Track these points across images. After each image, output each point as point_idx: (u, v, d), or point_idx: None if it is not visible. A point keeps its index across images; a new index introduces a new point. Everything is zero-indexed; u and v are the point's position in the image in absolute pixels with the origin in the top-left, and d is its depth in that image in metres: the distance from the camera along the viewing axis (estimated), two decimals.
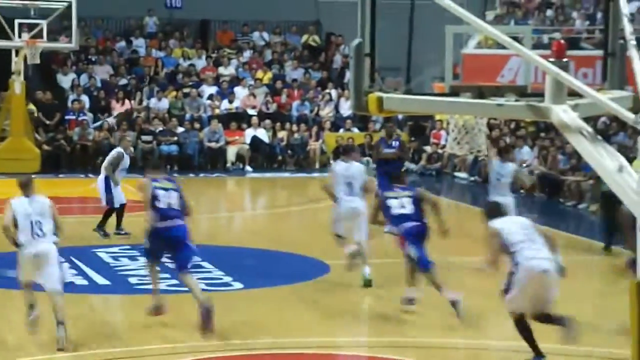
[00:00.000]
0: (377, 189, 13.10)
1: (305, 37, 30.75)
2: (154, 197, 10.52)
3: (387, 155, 18.09)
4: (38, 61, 23.06)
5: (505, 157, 14.46)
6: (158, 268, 10.74)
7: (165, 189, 10.70)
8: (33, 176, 11.15)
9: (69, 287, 11.90)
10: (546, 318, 8.93)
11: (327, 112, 27.48)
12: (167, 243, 10.49)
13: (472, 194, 22.50)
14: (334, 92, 27.99)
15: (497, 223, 9.13)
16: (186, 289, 11.81)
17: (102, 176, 15.49)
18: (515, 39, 6.30)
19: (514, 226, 9.10)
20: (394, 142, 18.56)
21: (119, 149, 15.71)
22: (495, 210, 9.50)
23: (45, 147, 24.18)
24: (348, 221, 12.55)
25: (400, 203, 11.34)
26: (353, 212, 12.44)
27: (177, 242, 10.39)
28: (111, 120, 25.24)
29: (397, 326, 10.74)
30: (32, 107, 24.91)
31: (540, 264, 8.77)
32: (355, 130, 26.73)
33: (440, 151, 25.50)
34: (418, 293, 11.24)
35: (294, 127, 26.44)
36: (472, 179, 23.94)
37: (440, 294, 10.82)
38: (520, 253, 8.81)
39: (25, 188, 10.02)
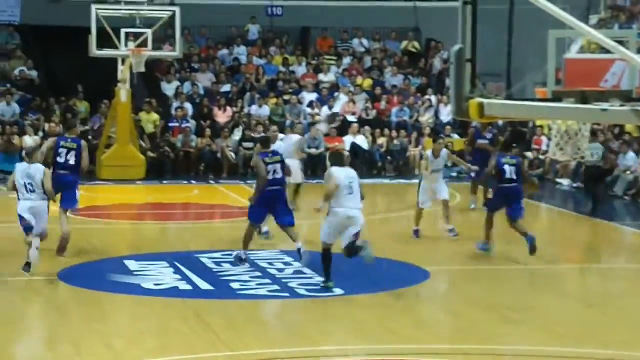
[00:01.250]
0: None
1: (404, 44, 30.71)
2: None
3: (480, 145, 18.97)
4: (144, 70, 23.52)
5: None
6: None
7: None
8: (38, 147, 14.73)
9: (173, 291, 12.16)
10: (349, 251, 11.93)
11: (426, 118, 27.39)
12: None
13: (575, 201, 22.16)
14: (433, 98, 27.88)
15: (334, 170, 11.90)
16: (286, 294, 11.95)
17: None
18: (620, 43, 6.21)
19: (342, 176, 11.84)
20: (488, 134, 18.70)
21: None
22: (337, 159, 12.31)
23: (150, 154, 24.63)
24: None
25: (510, 170, 14.50)
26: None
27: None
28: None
29: (497, 334, 10.66)
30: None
31: (347, 212, 11.74)
32: (455, 136, 26.58)
33: (541, 157, 25.19)
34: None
35: (394, 134, 26.42)
36: (575, 185, 23.57)
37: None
38: (338, 199, 11.66)
39: (29, 157, 12.93)
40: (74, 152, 14.01)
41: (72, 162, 14.00)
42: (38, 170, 12.76)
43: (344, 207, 11.91)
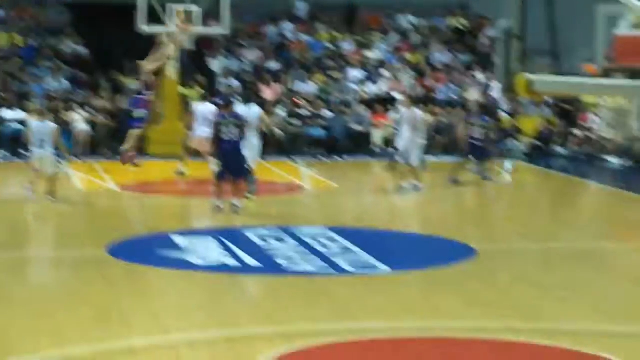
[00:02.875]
0: None
1: (452, 20, 30.52)
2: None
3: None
4: (191, 46, 23.59)
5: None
6: None
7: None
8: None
9: (220, 267, 12.25)
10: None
11: (473, 95, 27.22)
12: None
13: (625, 179, 21.97)
14: (481, 75, 27.70)
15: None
16: (335, 272, 12.01)
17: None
18: None
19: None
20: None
21: None
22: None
23: None
24: None
25: None
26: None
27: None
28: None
29: (546, 311, 10.62)
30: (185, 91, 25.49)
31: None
32: (504, 114, 26.42)
33: (589, 135, 24.97)
34: None
35: (441, 111, 26.29)
36: (624, 163, 23.35)
37: None
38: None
39: (40, 115, 17.37)
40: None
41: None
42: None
43: None
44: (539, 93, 6.47)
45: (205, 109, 19.16)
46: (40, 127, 16.94)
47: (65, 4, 28.96)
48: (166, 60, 22.87)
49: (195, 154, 19.40)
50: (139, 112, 20.86)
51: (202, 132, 18.64)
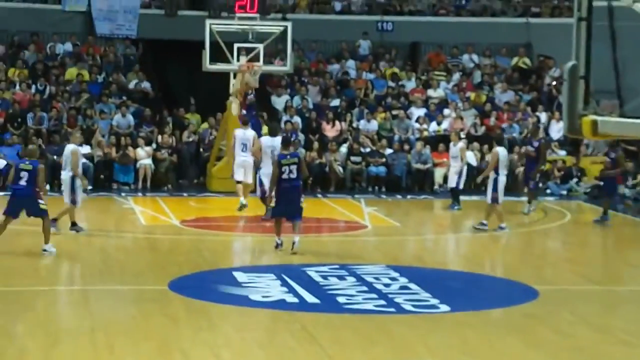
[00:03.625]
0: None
1: (515, 60, 30.45)
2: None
3: (528, 152, 21.54)
4: (257, 85, 23.79)
5: None
6: None
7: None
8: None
9: (280, 304, 12.26)
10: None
11: None
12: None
13: None
14: (543, 115, 27.54)
15: None
16: (395, 311, 11.95)
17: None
18: None
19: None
20: (535, 142, 21.38)
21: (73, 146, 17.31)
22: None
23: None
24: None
25: None
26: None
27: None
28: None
29: (611, 356, 10.45)
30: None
31: None
32: (563, 152, 26.25)
33: None
34: None
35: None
36: None
37: None
38: None
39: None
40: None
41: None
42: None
43: None
44: (604, 134, 6.40)
45: (243, 135, 19.69)
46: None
47: (133, 41, 29.45)
48: (245, 87, 23.17)
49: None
50: None
51: (240, 158, 19.49)
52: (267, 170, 18.20)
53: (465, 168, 21.81)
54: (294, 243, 15.48)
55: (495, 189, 18.45)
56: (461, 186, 21.79)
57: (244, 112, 22.31)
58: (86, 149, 24.49)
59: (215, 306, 12.27)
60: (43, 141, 25.00)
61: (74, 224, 17.14)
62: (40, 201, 14.90)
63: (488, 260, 17.00)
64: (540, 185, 23.05)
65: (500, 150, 18.91)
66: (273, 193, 15.77)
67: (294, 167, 15.54)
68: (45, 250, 14.99)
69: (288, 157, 15.71)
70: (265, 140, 19.08)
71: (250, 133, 19.83)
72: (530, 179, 21.40)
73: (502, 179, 18.58)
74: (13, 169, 15.31)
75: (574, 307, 12.65)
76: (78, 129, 20.86)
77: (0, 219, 15.27)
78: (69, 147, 17.21)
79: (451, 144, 22.00)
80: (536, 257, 17.19)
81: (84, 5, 29.43)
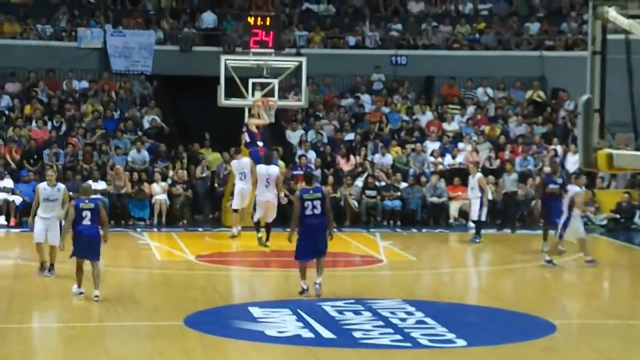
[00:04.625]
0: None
1: (529, 93, 30.45)
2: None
3: (552, 190, 19.75)
4: (273, 120, 23.85)
5: None
6: None
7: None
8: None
9: (296, 339, 12.21)
10: None
11: None
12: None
13: None
14: (559, 148, 27.50)
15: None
16: (409, 344, 11.88)
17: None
18: None
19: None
20: (558, 179, 19.03)
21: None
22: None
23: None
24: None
25: None
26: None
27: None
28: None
29: None
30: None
31: None
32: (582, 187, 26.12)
33: None
34: None
35: (519, 184, 26.07)
36: None
37: None
38: None
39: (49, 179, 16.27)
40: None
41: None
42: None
43: None
44: (619, 168, 6.38)
45: (239, 164, 20.47)
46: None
47: (148, 77, 29.61)
48: (266, 120, 23.28)
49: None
50: None
51: (238, 187, 20.41)
52: (261, 198, 19.99)
53: (485, 199, 21.74)
54: (317, 285, 14.83)
55: (565, 227, 18.31)
56: (483, 217, 21.73)
57: (247, 140, 22.40)
58: (102, 185, 24.60)
59: (230, 342, 12.24)
60: (58, 177, 25.08)
61: (52, 266, 16.32)
62: (100, 243, 14.51)
63: (504, 294, 16.91)
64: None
65: (577, 190, 18.57)
66: (295, 231, 14.94)
67: (317, 203, 14.75)
68: (97, 296, 14.25)
69: (310, 192, 14.93)
70: (260, 168, 20.31)
71: (245, 161, 20.97)
72: (557, 217, 19.36)
73: (577, 219, 18.40)
74: (72, 210, 14.48)
75: (593, 342, 12.56)
76: (52, 169, 19.50)
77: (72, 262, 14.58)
78: (61, 187, 16.43)
79: (470, 177, 21.99)
80: (553, 291, 17.09)
81: (99, 42, 29.64)
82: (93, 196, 15.02)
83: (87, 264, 14.43)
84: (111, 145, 26.41)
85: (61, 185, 16.49)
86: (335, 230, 17.61)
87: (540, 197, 20.27)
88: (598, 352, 12.06)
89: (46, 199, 16.07)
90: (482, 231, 22.04)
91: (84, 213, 14.39)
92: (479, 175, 21.98)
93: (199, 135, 27.54)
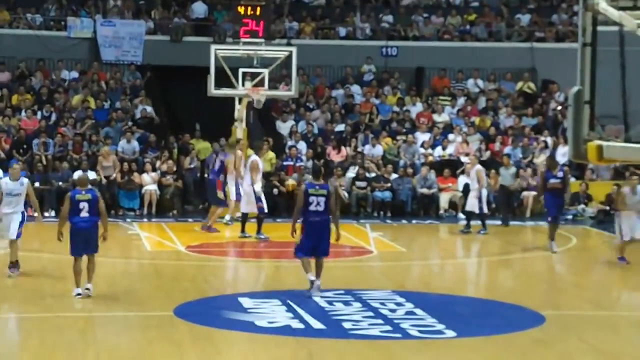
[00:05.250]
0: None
1: (520, 84, 30.48)
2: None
3: (554, 185, 19.28)
4: (261, 106, 23.83)
5: None
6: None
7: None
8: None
9: (286, 330, 12.22)
10: None
11: (541, 159, 27.02)
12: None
13: None
14: (549, 139, 27.55)
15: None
16: (401, 336, 11.90)
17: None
18: None
19: None
20: (559, 173, 18.66)
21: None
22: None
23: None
24: None
25: None
26: None
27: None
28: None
29: None
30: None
31: None
32: (571, 178, 26.16)
33: None
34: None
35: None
36: None
37: None
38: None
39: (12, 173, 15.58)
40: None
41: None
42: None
43: None
44: (609, 160, 6.40)
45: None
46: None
47: (137, 66, 29.55)
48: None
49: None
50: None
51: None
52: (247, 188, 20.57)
53: (484, 191, 21.74)
54: (312, 283, 14.14)
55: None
56: (485, 209, 21.71)
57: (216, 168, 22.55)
58: (91, 175, 24.55)
59: (220, 332, 12.24)
60: (48, 167, 25.05)
61: (15, 264, 15.61)
62: (98, 236, 13.77)
63: (494, 286, 16.95)
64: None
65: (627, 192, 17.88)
66: (297, 227, 14.44)
67: (322, 200, 14.10)
68: (88, 289, 13.78)
69: (317, 187, 14.25)
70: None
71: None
72: (559, 212, 19.50)
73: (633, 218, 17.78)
74: (67, 202, 13.80)
75: (581, 333, 12.60)
76: (17, 163, 18.29)
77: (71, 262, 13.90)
78: (25, 181, 15.63)
79: (469, 168, 22.04)
80: (542, 282, 17.13)
81: (89, 31, 29.56)
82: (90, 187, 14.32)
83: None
84: (101, 135, 26.36)
85: (25, 180, 15.72)
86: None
87: (543, 194, 19.73)
88: (587, 343, 12.09)
89: (9, 194, 15.37)
90: (472, 222, 22.07)
91: (81, 205, 13.66)
92: (478, 167, 22.02)
93: (189, 125, 27.52)
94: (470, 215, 21.98)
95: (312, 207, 14.10)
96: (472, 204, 21.86)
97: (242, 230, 20.49)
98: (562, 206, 19.93)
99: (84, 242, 13.75)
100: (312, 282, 14.10)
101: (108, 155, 24.85)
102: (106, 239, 13.92)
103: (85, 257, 13.93)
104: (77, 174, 17.26)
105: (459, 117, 28.86)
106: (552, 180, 19.40)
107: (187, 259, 18.28)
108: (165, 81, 29.11)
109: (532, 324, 12.91)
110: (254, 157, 20.97)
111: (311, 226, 14.19)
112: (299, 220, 14.40)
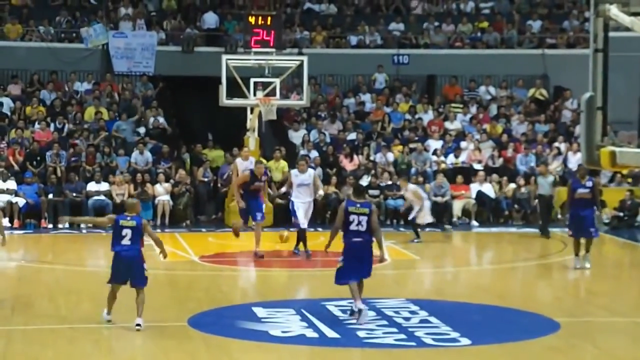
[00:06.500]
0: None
1: (532, 91, 30.45)
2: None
3: (582, 195, 18.08)
4: (275, 117, 23.83)
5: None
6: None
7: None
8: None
9: (300, 339, 12.21)
10: None
11: (555, 166, 26.98)
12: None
13: None
14: (562, 146, 27.50)
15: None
16: (413, 343, 11.88)
17: None
18: None
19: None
20: (588, 182, 18.18)
21: None
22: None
23: (278, 201, 24.85)
24: None
25: None
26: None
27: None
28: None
29: None
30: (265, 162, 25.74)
31: None
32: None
33: None
34: None
35: (521, 182, 26.10)
36: None
37: None
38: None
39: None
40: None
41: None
42: None
43: None
44: (622, 165, 6.38)
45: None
46: None
47: (150, 78, 29.63)
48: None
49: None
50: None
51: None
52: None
53: (426, 203, 22.00)
54: (361, 312, 13.16)
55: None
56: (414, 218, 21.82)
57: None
58: (105, 186, 24.61)
59: (235, 342, 12.24)
60: (61, 179, 25.12)
61: None
62: (144, 266, 12.92)
63: (508, 293, 16.91)
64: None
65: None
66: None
67: (363, 219, 13.08)
68: (139, 324, 12.70)
69: (358, 205, 13.19)
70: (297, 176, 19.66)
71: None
72: (591, 225, 18.04)
73: None
74: (108, 221, 13.25)
75: (597, 340, 12.55)
76: None
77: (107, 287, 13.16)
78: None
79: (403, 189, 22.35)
80: (557, 289, 17.08)
81: (105, 37, 29.60)
82: (137, 214, 13.04)
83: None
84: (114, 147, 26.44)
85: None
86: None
87: (570, 206, 18.31)
88: (602, 350, 12.05)
89: None
90: (486, 229, 21.97)
91: (124, 232, 12.71)
92: (411, 186, 22.29)
93: (202, 136, 27.57)
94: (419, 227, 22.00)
95: (352, 227, 13.12)
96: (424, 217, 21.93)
97: (297, 247, 19.52)
98: (592, 219, 18.30)
99: (125, 270, 12.87)
100: (360, 311, 13.13)
101: (121, 184, 24.85)
102: (166, 257, 13.52)
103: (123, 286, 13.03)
104: (128, 199, 15.81)
105: (471, 125, 28.83)
106: (581, 190, 18.02)
107: (201, 269, 18.29)
108: (177, 92, 29.18)
109: (547, 331, 12.87)
110: (291, 170, 20.25)
111: (352, 247, 13.19)
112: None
